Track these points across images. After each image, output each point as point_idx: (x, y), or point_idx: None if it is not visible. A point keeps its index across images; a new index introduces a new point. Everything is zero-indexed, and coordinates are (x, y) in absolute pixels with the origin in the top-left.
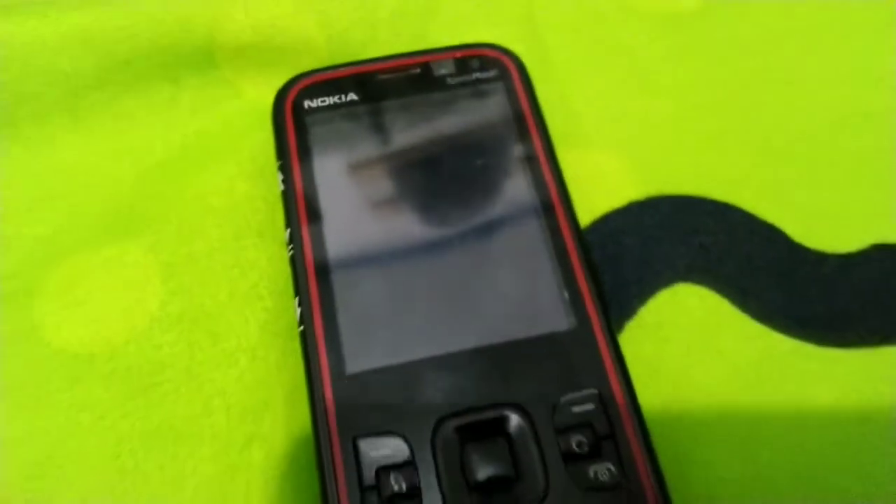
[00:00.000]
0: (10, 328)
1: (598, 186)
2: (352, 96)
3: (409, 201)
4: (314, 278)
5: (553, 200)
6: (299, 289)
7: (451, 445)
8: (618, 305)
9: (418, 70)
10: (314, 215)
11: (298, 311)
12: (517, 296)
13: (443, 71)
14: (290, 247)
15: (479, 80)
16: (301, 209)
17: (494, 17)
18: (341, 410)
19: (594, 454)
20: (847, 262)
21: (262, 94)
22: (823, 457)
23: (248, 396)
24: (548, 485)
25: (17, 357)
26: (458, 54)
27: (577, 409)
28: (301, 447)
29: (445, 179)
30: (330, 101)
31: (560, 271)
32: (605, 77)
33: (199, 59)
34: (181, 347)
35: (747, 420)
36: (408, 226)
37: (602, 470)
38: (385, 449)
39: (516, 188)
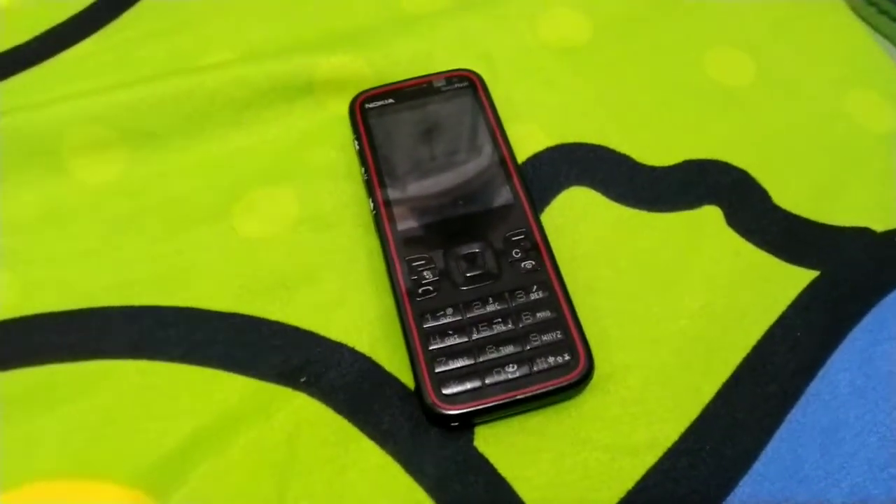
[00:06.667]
0: (225, 226)
1: (528, 140)
2: (390, 101)
3: (427, 150)
4: (378, 189)
5: (503, 147)
6: (371, 195)
7: (453, 259)
8: (539, 198)
9: (425, 84)
10: (375, 159)
11: (371, 205)
12: (488, 189)
13: (439, 84)
14: (365, 177)
15: (459, 88)
16: (369, 156)
17: (467, 56)
18: (397, 247)
19: (524, 258)
20: (667, 169)
21: (339, 106)
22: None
23: (346, 252)
24: (501, 271)
25: (220, 239)
26: (447, 75)
27: (515, 238)
28: (380, 265)
29: (446, 138)
30: (379, 104)
31: (508, 179)
32: (529, 83)
33: (304, 89)
34: (311, 234)
35: (610, 239)
36: (426, 162)
37: (528, 263)
38: (421, 261)
39: (485, 142)
